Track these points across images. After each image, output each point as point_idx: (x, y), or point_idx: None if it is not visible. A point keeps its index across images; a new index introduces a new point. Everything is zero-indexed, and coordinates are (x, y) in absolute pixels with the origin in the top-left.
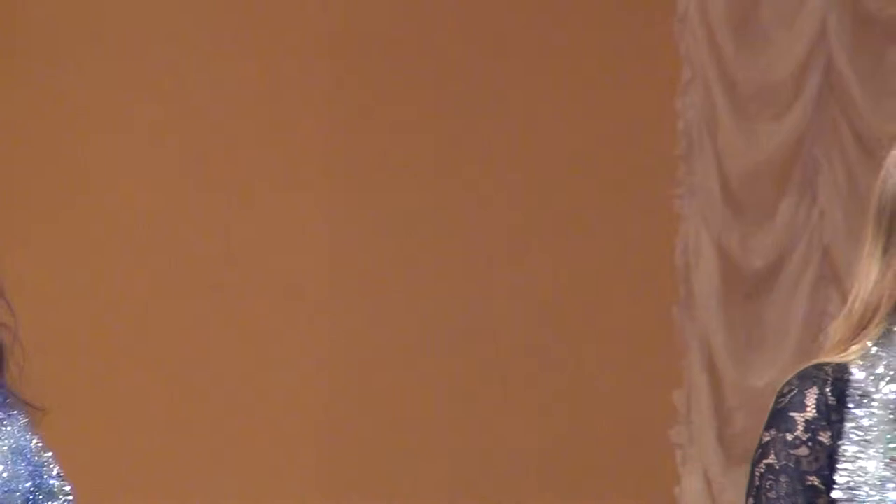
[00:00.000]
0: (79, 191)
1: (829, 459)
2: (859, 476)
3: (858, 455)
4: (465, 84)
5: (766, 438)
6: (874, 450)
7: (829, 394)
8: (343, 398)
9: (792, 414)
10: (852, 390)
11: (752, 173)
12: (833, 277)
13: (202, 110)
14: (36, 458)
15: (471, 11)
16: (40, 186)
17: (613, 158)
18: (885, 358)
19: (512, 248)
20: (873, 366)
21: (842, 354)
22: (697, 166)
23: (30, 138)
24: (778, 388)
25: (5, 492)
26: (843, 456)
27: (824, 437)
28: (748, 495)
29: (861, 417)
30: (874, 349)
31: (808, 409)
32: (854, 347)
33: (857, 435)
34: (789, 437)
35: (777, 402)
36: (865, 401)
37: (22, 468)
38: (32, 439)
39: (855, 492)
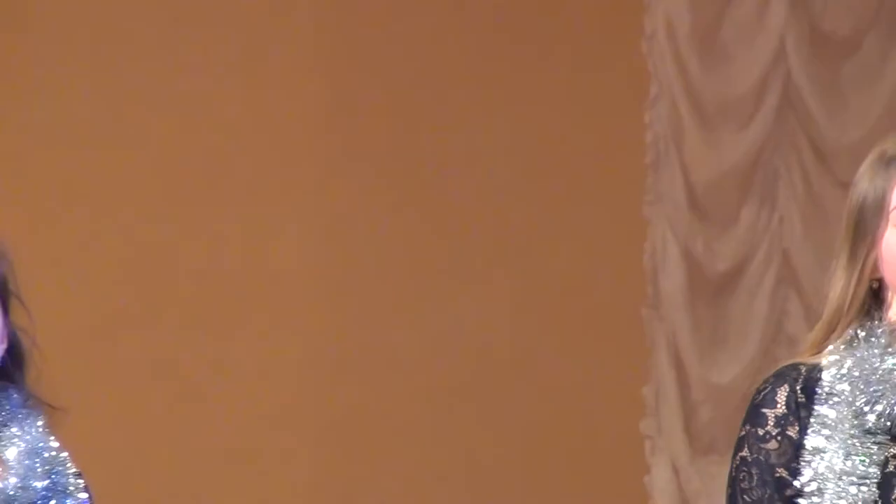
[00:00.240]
0: (77, 197)
1: (796, 453)
2: (821, 469)
3: (821, 449)
4: (441, 97)
5: (742, 433)
6: (836, 444)
7: (800, 392)
8: (332, 401)
9: (764, 410)
10: (819, 388)
11: (715, 181)
12: (792, 279)
13: (197, 113)
14: (52, 457)
15: (446, 27)
16: (44, 191)
17: (586, 168)
18: (848, 359)
19: (489, 251)
20: (838, 366)
21: (815, 355)
22: (664, 175)
23: (37, 142)
24: (740, 384)
25: (20, 489)
26: (807, 449)
27: (792, 432)
28: (728, 485)
29: (825, 414)
30: (842, 351)
31: (779, 405)
32: (825, 349)
33: (821, 430)
34: (760, 431)
35: (753, 399)
36: (831, 399)
37: (38, 467)
38: (50, 439)
39: (818, 483)
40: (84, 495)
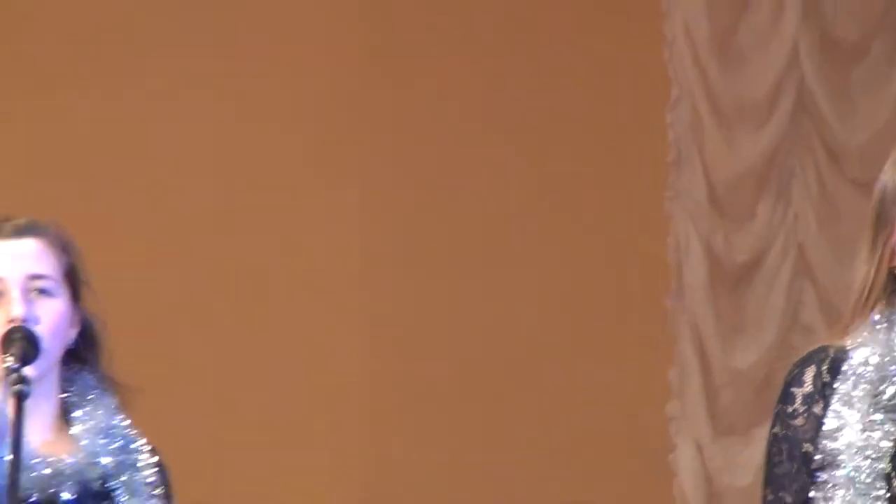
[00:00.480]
0: (127, 187)
1: (820, 429)
2: (840, 443)
3: (840, 425)
4: (474, 98)
5: (775, 410)
6: (854, 420)
7: (825, 372)
8: (383, 385)
9: (793, 389)
10: (844, 368)
11: (734, 179)
12: (806, 271)
13: (237, 106)
14: (123, 434)
15: (478, 35)
16: (109, 188)
17: (613, 167)
18: (870, 341)
19: (524, 246)
20: (861, 348)
21: (842, 338)
22: (686, 173)
23: (107, 134)
24: (758, 369)
25: (90, 464)
26: (828, 425)
27: (817, 409)
28: (764, 460)
29: (845, 392)
30: (864, 334)
31: (806, 385)
32: (851, 332)
33: (841, 407)
34: (789, 409)
35: (785, 379)
36: (852, 378)
37: (108, 444)
38: (120, 417)
39: (836, 456)
40: (153, 470)
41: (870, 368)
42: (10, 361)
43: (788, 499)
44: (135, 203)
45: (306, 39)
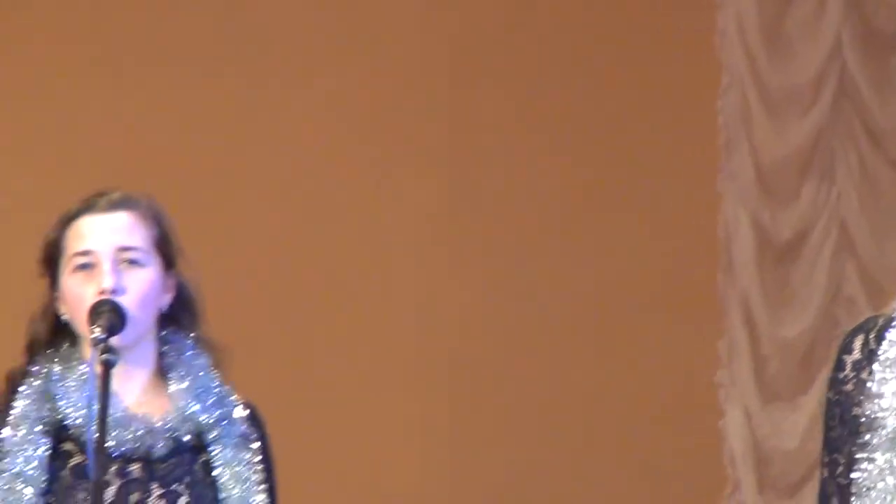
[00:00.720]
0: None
1: (867, 393)
2: (883, 403)
3: (883, 388)
4: (538, 87)
5: (829, 377)
6: (893, 383)
7: (872, 339)
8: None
9: (844, 356)
10: (888, 335)
11: (780, 161)
12: (849, 247)
13: (315, 115)
14: (216, 391)
15: (540, 25)
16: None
17: (667, 150)
18: None
19: (582, 226)
20: None
21: (891, 308)
22: (735, 155)
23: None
24: (804, 339)
25: (185, 420)
26: (873, 389)
27: (864, 375)
28: (822, 424)
29: (888, 357)
30: None
31: (855, 352)
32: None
33: (883, 370)
34: (840, 375)
35: (838, 347)
36: (894, 344)
37: (203, 400)
38: (215, 376)
39: (879, 418)
40: (247, 424)
41: None
42: (98, 332)
43: (842, 460)
44: (238, 185)
45: (394, 39)
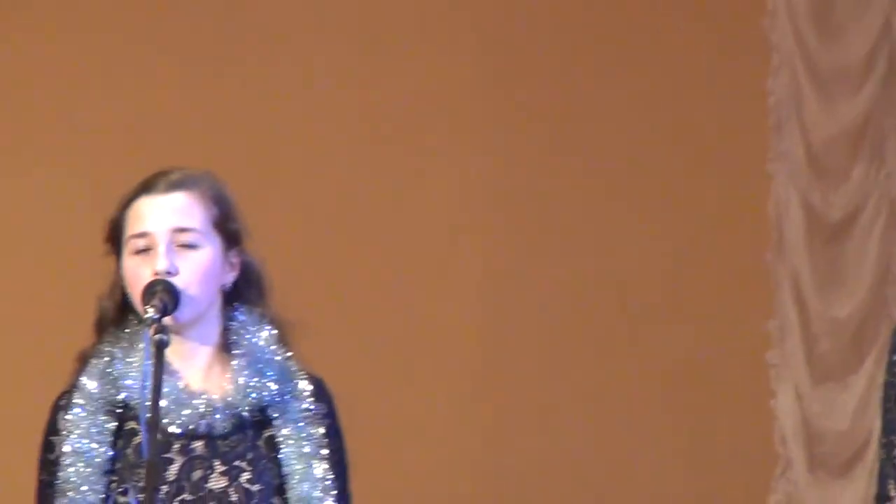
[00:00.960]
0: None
1: None
2: None
3: None
4: (593, 70)
5: (886, 360)
6: None
7: None
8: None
9: None
10: None
11: (830, 141)
12: None
13: (363, 108)
14: (279, 365)
15: (589, 14)
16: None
17: (719, 131)
18: None
19: (637, 204)
20: None
21: None
22: (786, 136)
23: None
24: (854, 318)
25: (245, 396)
26: None
27: None
28: (880, 407)
29: None
30: None
31: None
32: None
33: None
34: (894, 357)
35: (893, 331)
36: None
37: (265, 374)
38: (278, 350)
39: None
40: (311, 399)
41: None
42: (151, 312)
43: None
44: (296, 164)
45: (420, 30)
